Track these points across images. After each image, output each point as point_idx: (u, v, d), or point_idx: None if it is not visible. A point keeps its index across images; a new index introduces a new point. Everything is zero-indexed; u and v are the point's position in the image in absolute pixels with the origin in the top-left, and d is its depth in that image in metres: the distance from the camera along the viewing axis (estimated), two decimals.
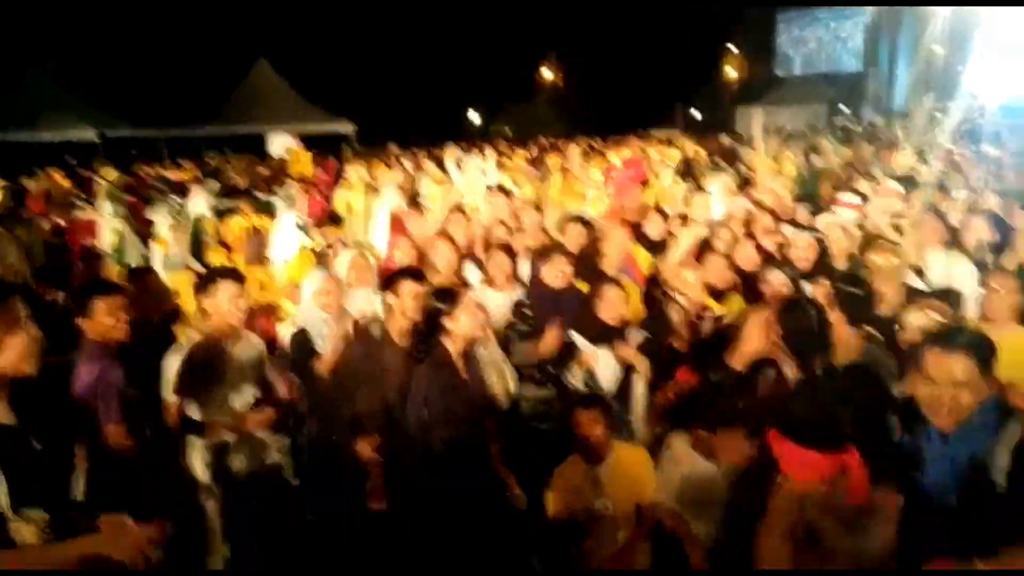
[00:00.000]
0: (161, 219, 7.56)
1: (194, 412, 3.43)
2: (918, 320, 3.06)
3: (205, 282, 3.52)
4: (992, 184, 6.32)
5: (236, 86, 22.83)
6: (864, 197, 5.53)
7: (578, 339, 3.78)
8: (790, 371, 3.01)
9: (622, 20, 32.08)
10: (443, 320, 3.26)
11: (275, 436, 3.57)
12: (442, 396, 3.22)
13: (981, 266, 4.10)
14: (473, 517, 3.25)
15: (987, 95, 20.43)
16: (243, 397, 3.51)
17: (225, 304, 3.42)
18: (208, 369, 3.42)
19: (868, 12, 26.49)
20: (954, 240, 4.42)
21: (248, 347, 3.60)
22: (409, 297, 3.49)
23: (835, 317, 3.25)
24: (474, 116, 30.93)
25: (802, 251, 4.34)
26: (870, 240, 4.41)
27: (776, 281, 3.87)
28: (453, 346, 3.30)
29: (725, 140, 13.92)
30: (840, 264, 4.39)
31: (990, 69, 25.56)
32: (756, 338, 2.99)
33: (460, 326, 3.27)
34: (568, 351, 3.80)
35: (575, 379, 3.79)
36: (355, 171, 10.03)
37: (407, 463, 3.35)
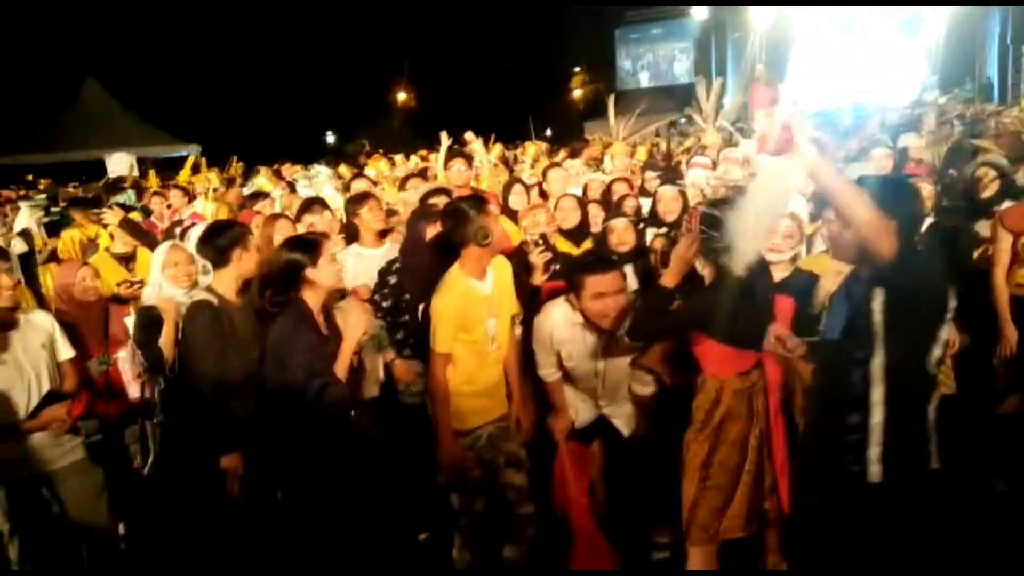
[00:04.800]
0: None
1: None
2: None
3: None
4: None
5: (64, 109, 21.26)
6: (713, 163, 6.18)
7: None
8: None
9: (473, 44, 32.78)
10: (304, 272, 3.11)
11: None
12: (304, 355, 3.03)
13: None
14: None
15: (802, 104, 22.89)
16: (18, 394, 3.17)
17: None
18: None
19: (698, 30, 28.60)
20: None
21: (28, 334, 3.25)
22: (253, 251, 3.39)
23: None
24: (330, 137, 30.54)
25: (669, 203, 4.66)
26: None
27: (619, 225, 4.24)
28: (314, 300, 3.16)
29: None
30: None
31: (802, 83, 28.59)
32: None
33: (322, 276, 3.13)
34: None
35: None
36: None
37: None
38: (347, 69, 30.69)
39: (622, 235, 4.19)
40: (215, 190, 9.40)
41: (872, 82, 26.30)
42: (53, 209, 8.25)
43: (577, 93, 35.01)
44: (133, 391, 4.13)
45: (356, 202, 4.37)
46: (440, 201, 4.70)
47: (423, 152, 15.45)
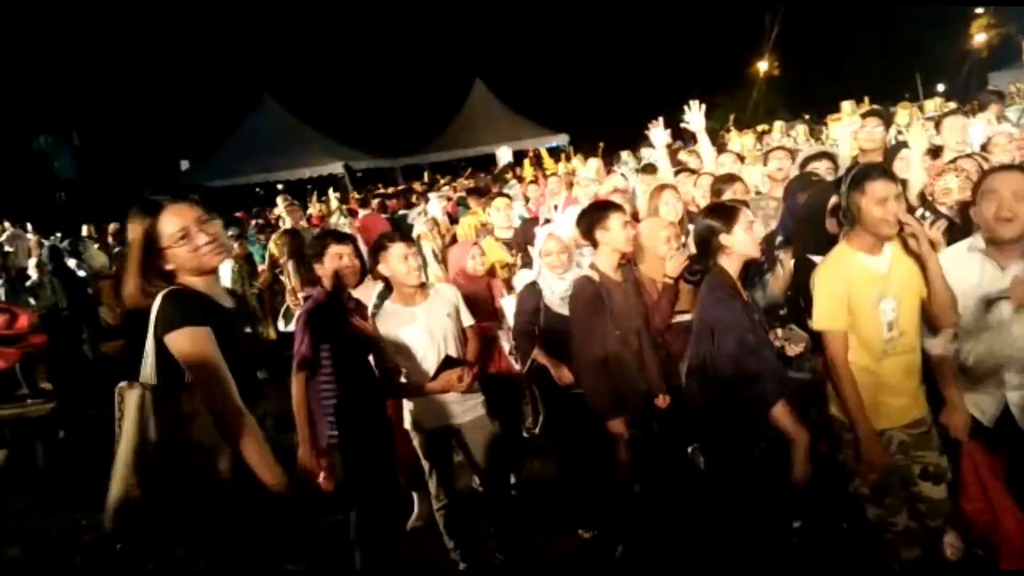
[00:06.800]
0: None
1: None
2: None
3: (377, 249, 3.60)
4: None
5: (458, 109, 24.49)
6: None
7: None
8: None
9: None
10: (719, 238, 3.09)
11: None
12: (735, 327, 2.97)
13: None
14: None
15: None
16: (430, 356, 3.62)
17: (397, 264, 3.53)
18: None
19: None
20: None
21: (436, 305, 3.69)
22: (619, 228, 3.53)
23: None
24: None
25: None
26: None
27: None
28: (732, 267, 3.12)
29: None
30: None
31: None
32: None
33: (737, 243, 3.07)
34: None
35: None
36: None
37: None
38: (706, 42, 30.31)
39: None
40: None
41: None
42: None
43: (979, 39, 29.73)
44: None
45: (722, 182, 4.28)
46: (820, 166, 4.35)
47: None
